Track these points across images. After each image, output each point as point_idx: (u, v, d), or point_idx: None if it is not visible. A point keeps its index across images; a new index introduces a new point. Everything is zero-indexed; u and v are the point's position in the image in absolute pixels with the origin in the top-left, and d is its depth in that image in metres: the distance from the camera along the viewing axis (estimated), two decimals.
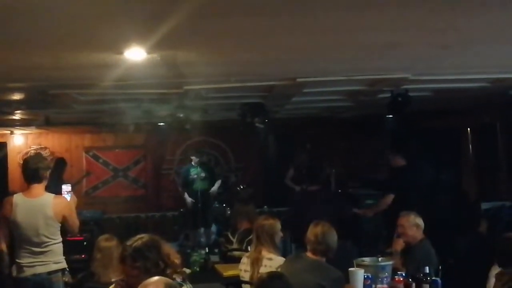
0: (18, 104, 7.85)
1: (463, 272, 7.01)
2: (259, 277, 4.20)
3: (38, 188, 5.67)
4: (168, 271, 3.93)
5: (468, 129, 11.25)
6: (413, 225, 6.12)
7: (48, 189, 5.81)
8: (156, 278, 3.31)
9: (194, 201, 11.06)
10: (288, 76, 6.52)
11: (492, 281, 5.05)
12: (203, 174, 11.24)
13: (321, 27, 4.26)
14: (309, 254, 5.04)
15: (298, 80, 6.56)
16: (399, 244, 6.29)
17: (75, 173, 12.12)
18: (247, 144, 12.87)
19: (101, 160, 13.21)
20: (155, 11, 3.63)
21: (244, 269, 5.75)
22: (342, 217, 7.97)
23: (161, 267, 3.87)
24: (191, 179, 11.24)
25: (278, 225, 5.82)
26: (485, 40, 4.88)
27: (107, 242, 5.52)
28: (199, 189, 11.09)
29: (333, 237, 5.07)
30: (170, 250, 4.17)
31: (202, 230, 8.84)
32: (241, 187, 12.09)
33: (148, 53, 4.74)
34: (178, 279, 3.91)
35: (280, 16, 3.89)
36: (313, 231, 5.05)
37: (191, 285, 4.09)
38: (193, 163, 11.36)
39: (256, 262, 5.66)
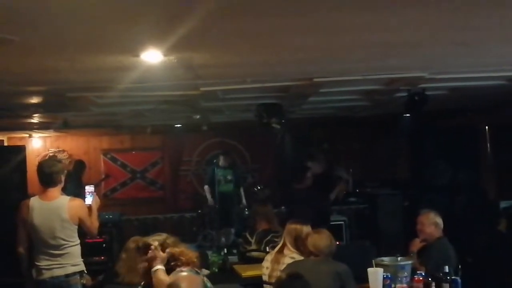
0: (36, 108, 7.91)
1: (483, 271, 6.98)
2: (278, 277, 4.22)
3: (54, 191, 5.70)
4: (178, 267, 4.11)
5: (486, 127, 11.18)
6: (432, 223, 6.11)
7: (67, 191, 5.86)
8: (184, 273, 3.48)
9: (214, 201, 11.12)
10: (305, 76, 6.51)
11: None
12: (229, 177, 11.27)
13: (337, 26, 4.24)
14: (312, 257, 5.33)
15: (315, 80, 6.54)
16: (415, 245, 6.28)
17: (93, 175, 12.21)
18: (263, 145, 12.89)
19: (119, 162, 13.28)
20: (172, 13, 3.63)
21: (266, 266, 5.82)
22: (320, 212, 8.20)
23: (170, 264, 4.17)
24: (216, 180, 11.27)
25: (305, 230, 5.87)
26: (503, 38, 4.83)
27: (133, 244, 5.55)
28: (223, 191, 11.13)
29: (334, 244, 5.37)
30: (183, 248, 4.30)
31: (222, 231, 8.85)
32: (258, 187, 12.11)
33: (165, 55, 4.75)
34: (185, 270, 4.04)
35: (296, 16, 3.88)
36: (322, 240, 5.32)
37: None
38: (220, 164, 11.40)
39: (277, 260, 5.73)
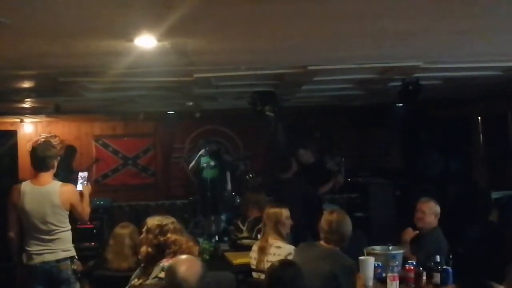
0: (28, 92, 7.84)
1: (474, 261, 6.99)
2: (271, 265, 4.20)
3: (46, 176, 5.68)
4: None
5: (479, 118, 11.19)
6: (432, 212, 6.14)
7: (58, 176, 5.83)
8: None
9: (204, 189, 11.09)
10: (299, 64, 6.47)
11: None
12: (212, 163, 11.24)
13: (333, 14, 4.22)
14: (322, 242, 4.97)
15: (309, 68, 6.51)
16: (408, 234, 6.29)
17: (84, 161, 12.15)
18: (256, 133, 12.87)
19: (110, 148, 13.22)
20: None
21: (254, 257, 5.80)
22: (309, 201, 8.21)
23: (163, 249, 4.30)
24: (200, 168, 11.26)
25: (284, 213, 5.86)
26: (500, 28, 4.82)
27: (120, 229, 5.59)
28: (208, 177, 11.10)
29: (347, 226, 4.97)
30: (179, 237, 4.31)
31: (212, 218, 8.83)
32: (250, 175, 12.09)
33: (159, 40, 4.72)
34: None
35: (292, 3, 3.85)
36: (327, 220, 4.96)
37: None
38: (202, 152, 11.37)
39: (263, 250, 5.72)
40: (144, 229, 4.48)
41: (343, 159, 10.60)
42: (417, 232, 6.20)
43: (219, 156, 11.89)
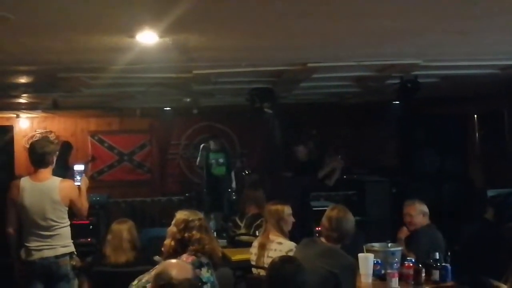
0: (25, 87, 7.83)
1: (470, 259, 7.02)
2: (271, 261, 4.18)
3: (45, 172, 5.65)
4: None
5: (475, 116, 11.23)
6: (419, 213, 6.16)
7: (54, 172, 5.79)
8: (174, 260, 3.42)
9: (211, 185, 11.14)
10: (299, 61, 6.48)
11: None
12: (221, 160, 11.25)
13: (333, 12, 4.23)
14: (323, 239, 4.88)
15: (309, 65, 6.52)
16: (403, 232, 6.31)
17: (80, 157, 12.10)
18: (253, 130, 12.88)
19: (106, 144, 13.22)
20: None
21: (254, 253, 5.80)
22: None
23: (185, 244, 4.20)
24: (209, 163, 11.26)
25: (286, 210, 5.86)
26: (500, 27, 4.84)
27: (118, 225, 5.58)
28: (216, 174, 11.13)
29: (348, 223, 4.85)
30: (203, 236, 4.26)
31: (211, 215, 8.83)
32: (246, 172, 12.11)
33: (160, 36, 4.72)
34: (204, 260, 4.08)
35: (292, 1, 3.87)
36: (327, 216, 4.87)
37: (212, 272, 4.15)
38: (211, 147, 11.38)
39: (263, 246, 5.72)
40: (173, 222, 4.39)
41: (339, 156, 10.63)
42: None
43: (228, 153, 11.89)
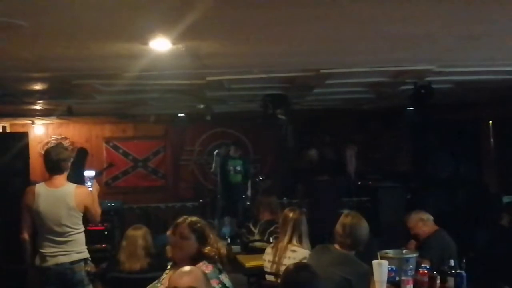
0: (40, 94, 7.88)
1: (485, 266, 6.97)
2: (286, 268, 4.16)
3: (60, 179, 5.67)
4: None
5: (490, 121, 11.17)
6: (417, 221, 6.13)
7: (69, 178, 5.82)
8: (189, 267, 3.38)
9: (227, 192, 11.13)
10: (312, 67, 6.48)
11: None
12: (238, 168, 11.21)
13: (346, 18, 4.22)
14: (337, 246, 4.82)
15: (322, 71, 6.52)
16: (411, 244, 6.29)
17: (95, 163, 12.16)
18: (266, 136, 12.89)
19: (121, 151, 13.28)
20: (182, 1, 3.62)
21: (268, 260, 5.77)
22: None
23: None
24: (227, 170, 11.26)
25: (302, 217, 5.83)
26: None
27: (133, 231, 5.59)
28: (232, 182, 11.10)
29: (362, 230, 4.79)
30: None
31: (226, 220, 8.82)
32: (260, 178, 12.10)
33: (173, 43, 4.73)
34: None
35: (305, 7, 3.86)
36: (341, 223, 4.82)
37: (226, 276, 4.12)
38: (231, 153, 11.34)
39: (279, 253, 5.69)
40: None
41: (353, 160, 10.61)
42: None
43: (246, 161, 11.80)
